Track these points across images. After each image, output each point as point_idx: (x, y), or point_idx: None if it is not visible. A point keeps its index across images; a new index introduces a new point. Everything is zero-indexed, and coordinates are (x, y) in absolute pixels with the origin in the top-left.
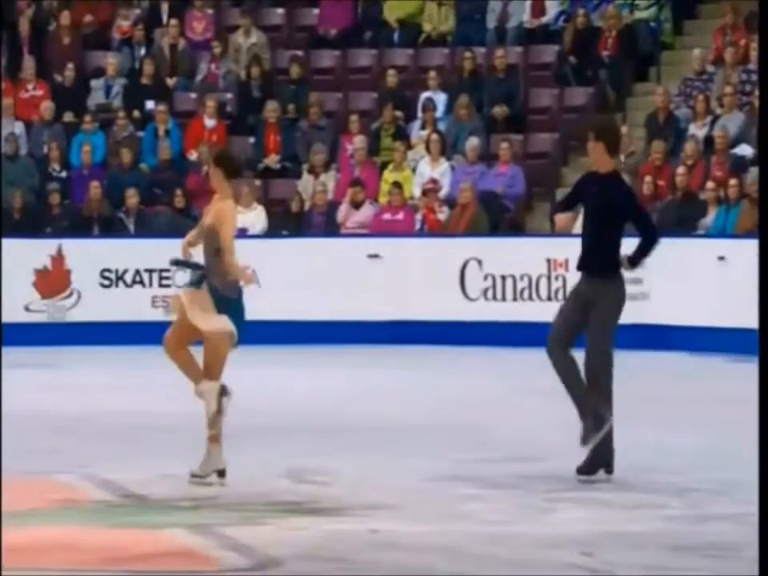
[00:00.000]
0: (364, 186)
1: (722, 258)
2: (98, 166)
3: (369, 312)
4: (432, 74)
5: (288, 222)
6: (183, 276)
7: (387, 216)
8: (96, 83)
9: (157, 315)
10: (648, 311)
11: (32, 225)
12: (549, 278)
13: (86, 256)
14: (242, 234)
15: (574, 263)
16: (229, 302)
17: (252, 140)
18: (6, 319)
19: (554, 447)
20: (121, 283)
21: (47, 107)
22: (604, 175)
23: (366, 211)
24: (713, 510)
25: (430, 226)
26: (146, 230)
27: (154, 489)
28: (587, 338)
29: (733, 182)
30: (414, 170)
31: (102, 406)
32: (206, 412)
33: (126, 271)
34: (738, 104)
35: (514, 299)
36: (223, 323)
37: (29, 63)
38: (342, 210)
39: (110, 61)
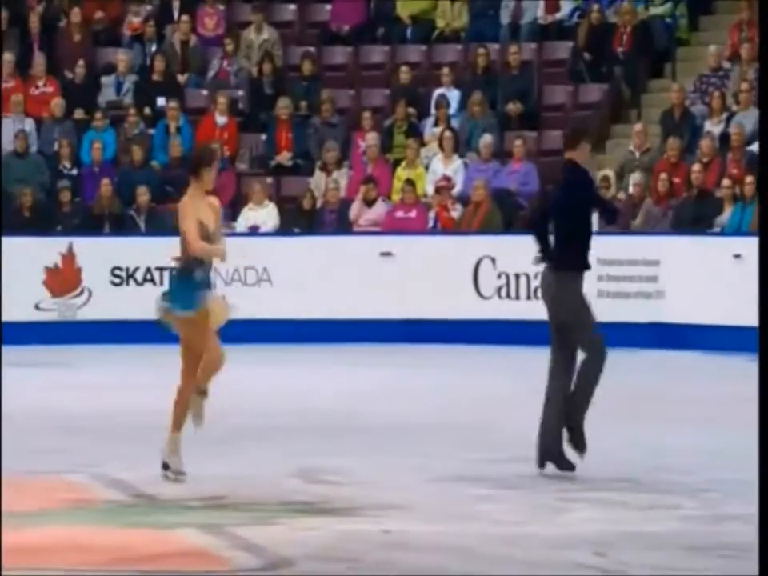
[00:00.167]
0: (376, 183)
1: (737, 256)
2: (109, 163)
3: (381, 310)
4: (445, 70)
5: (300, 219)
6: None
7: (400, 214)
8: (107, 80)
9: None
10: (664, 310)
11: (42, 223)
12: None
13: (97, 254)
14: (254, 231)
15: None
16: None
17: (264, 137)
18: (16, 318)
19: (567, 447)
20: (132, 281)
21: (58, 104)
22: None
23: (379, 209)
24: (728, 510)
25: (443, 224)
26: (157, 227)
27: (165, 488)
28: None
29: (749, 179)
30: (426, 168)
31: (112, 405)
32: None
33: (137, 269)
34: (754, 101)
35: (528, 298)
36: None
37: (39, 60)
38: (355, 208)
39: (121, 57)
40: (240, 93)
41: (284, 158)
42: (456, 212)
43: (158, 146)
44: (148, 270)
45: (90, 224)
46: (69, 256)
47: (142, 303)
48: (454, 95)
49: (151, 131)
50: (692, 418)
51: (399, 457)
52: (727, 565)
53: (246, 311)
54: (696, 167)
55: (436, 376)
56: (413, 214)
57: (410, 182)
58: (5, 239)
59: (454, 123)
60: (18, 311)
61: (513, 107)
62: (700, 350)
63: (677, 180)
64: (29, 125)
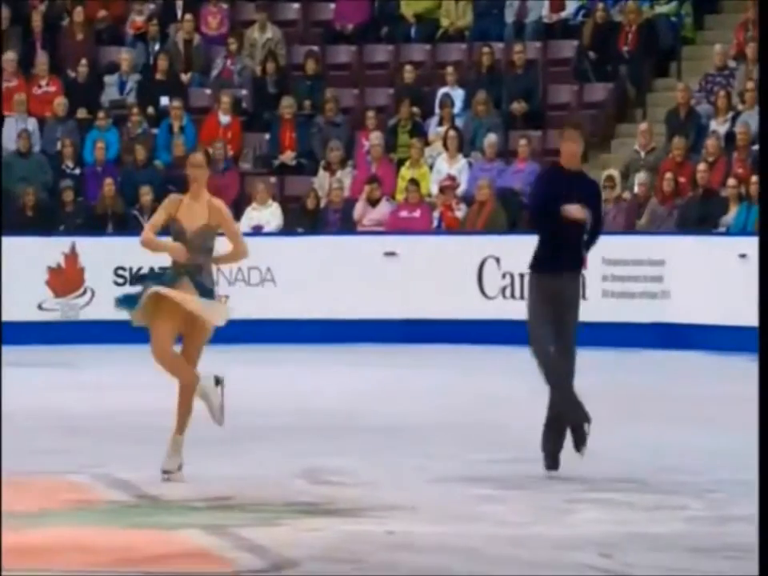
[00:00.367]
0: (380, 183)
1: (743, 256)
2: (112, 162)
3: (385, 310)
4: (449, 69)
5: (304, 219)
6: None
7: (404, 213)
8: (110, 79)
9: None
10: (669, 310)
11: (45, 222)
12: None
13: (100, 254)
14: (258, 231)
15: (590, 261)
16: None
17: (267, 136)
18: (19, 318)
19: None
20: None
21: (60, 103)
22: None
23: (383, 208)
24: (734, 511)
25: (448, 224)
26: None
27: (168, 489)
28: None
29: (754, 178)
30: (431, 167)
31: (115, 406)
32: (211, 407)
33: (140, 269)
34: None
35: None
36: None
37: (42, 59)
38: (359, 208)
39: (124, 56)
40: (243, 92)
41: (288, 157)
42: (460, 212)
43: (161, 146)
44: (151, 270)
45: (93, 224)
46: (71, 256)
47: None
48: (458, 94)
49: (154, 130)
50: (697, 418)
51: (402, 457)
52: (732, 566)
53: (249, 311)
54: (701, 167)
55: (440, 376)
56: (417, 213)
57: (414, 182)
58: (7, 239)
59: (459, 122)
60: (21, 311)
61: (517, 106)
62: (705, 350)
63: (682, 179)
64: (32, 124)
